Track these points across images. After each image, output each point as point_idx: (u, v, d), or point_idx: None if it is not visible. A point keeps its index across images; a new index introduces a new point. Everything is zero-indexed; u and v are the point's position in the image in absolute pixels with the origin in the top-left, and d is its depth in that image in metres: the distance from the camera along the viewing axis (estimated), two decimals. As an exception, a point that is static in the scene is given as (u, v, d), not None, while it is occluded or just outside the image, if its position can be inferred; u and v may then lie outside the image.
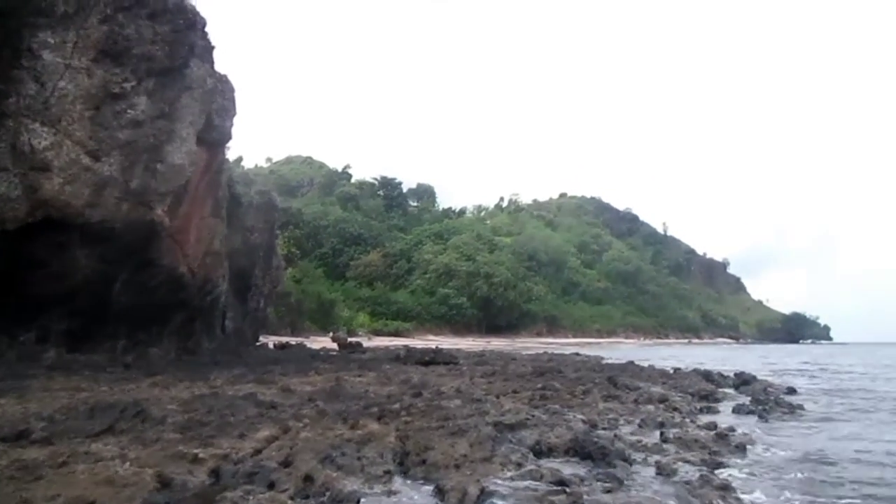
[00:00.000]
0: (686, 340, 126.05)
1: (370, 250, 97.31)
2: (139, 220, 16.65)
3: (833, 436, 10.88)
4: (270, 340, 33.48)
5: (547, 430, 8.19)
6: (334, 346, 33.99)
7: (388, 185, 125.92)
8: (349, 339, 37.09)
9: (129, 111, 16.19)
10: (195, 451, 6.11)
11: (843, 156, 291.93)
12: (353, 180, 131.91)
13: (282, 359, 21.70)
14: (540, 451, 7.30)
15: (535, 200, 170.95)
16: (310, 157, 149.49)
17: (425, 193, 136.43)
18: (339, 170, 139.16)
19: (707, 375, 21.83)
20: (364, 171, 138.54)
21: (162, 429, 7.22)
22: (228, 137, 22.37)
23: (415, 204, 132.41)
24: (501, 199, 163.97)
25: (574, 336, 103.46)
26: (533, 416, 9.54)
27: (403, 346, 33.42)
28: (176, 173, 17.64)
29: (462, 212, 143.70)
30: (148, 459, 5.80)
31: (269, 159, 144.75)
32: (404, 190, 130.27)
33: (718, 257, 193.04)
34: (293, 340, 37.10)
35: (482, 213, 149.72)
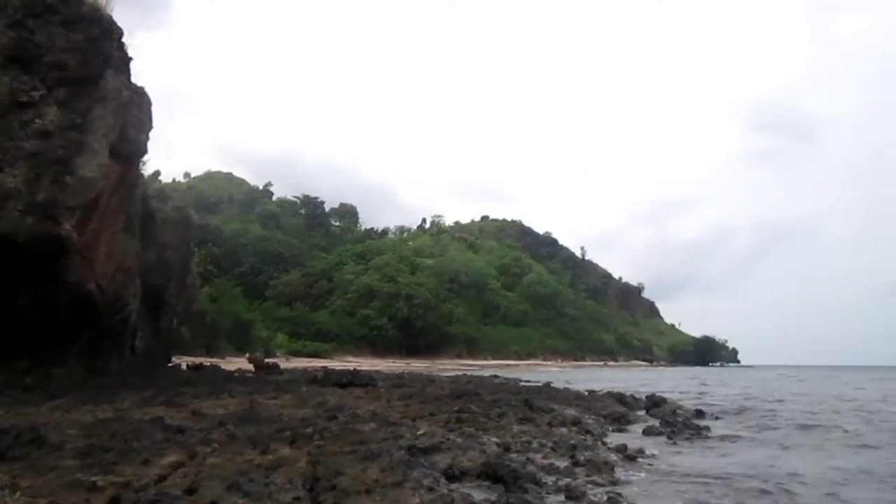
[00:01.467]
0: (602, 363, 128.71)
1: (290, 269, 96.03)
2: (45, 234, 15.93)
3: (738, 457, 11.28)
4: (184, 361, 32.48)
5: (460, 454, 8.20)
6: (251, 367, 33.24)
7: (311, 204, 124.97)
8: (266, 361, 36.31)
9: (36, 121, 15.54)
10: (94, 479, 5.85)
11: (747, 192, 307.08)
12: (274, 198, 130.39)
13: (194, 380, 21.06)
14: (452, 475, 7.28)
15: (457, 223, 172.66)
16: (230, 174, 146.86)
17: (348, 213, 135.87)
18: (261, 187, 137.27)
19: (620, 398, 22.36)
20: (286, 189, 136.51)
21: (59, 455, 6.88)
22: (144, 151, 21.72)
23: (337, 223, 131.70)
24: (424, 220, 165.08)
25: (494, 358, 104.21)
26: (448, 439, 9.55)
27: (322, 368, 32.96)
28: (86, 187, 16.98)
29: (384, 232, 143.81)
30: (42, 488, 5.52)
31: (187, 174, 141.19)
32: (327, 209, 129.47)
33: (634, 282, 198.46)
34: (208, 361, 36.10)
35: (404, 235, 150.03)
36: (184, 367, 29.53)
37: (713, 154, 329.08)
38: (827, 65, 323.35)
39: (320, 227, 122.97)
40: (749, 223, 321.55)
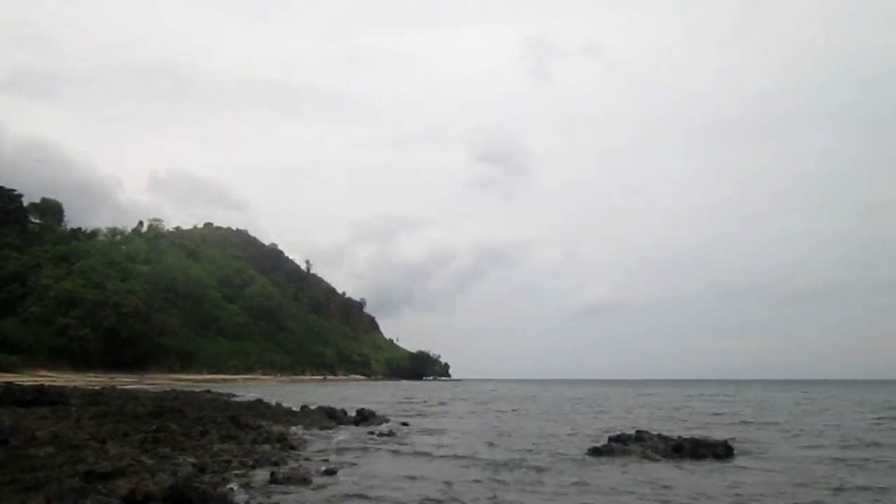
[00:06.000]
0: (322, 377, 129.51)
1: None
2: None
3: (429, 465, 12.05)
4: None
5: (147, 477, 7.80)
6: None
7: (5, 197, 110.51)
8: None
9: None
10: None
11: (468, 217, 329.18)
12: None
13: None
14: (135, 501, 6.90)
15: (177, 228, 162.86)
16: None
17: (51, 210, 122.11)
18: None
19: (330, 412, 22.73)
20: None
21: None
22: None
23: (37, 221, 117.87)
24: (140, 223, 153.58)
25: (210, 372, 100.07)
26: (138, 461, 9.04)
27: (3, 384, 29.29)
28: None
29: (94, 234, 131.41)
30: None
31: None
32: (25, 204, 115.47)
33: (357, 297, 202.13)
34: None
35: (117, 238, 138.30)
36: None
37: (441, 177, 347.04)
38: (543, 105, 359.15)
39: (15, 223, 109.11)
40: (468, 246, 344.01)
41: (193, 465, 9.67)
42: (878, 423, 24.00)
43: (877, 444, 16.63)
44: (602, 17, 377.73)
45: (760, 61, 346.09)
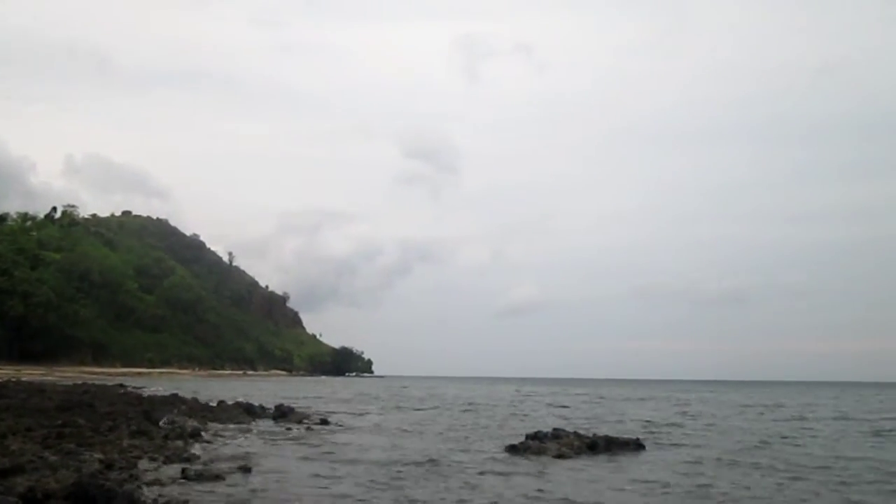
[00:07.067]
0: (241, 372, 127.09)
1: None
2: None
3: (344, 462, 12.00)
4: None
5: (49, 474, 7.49)
6: None
7: None
8: None
9: None
10: None
11: (396, 212, 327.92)
12: None
13: None
14: (34, 499, 6.60)
15: (94, 216, 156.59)
16: None
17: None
18: None
19: (248, 408, 22.40)
20: None
21: None
22: None
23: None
24: (54, 209, 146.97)
25: (124, 365, 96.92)
26: (40, 457, 8.71)
27: None
28: None
29: (2, 219, 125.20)
30: None
31: None
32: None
33: (281, 291, 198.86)
34: None
35: (28, 223, 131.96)
36: None
37: (369, 172, 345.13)
38: (472, 104, 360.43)
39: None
40: (395, 241, 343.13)
41: (100, 461, 9.35)
42: (779, 424, 25.25)
43: (775, 441, 17.46)
44: (532, 19, 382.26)
45: (687, 68, 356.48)
